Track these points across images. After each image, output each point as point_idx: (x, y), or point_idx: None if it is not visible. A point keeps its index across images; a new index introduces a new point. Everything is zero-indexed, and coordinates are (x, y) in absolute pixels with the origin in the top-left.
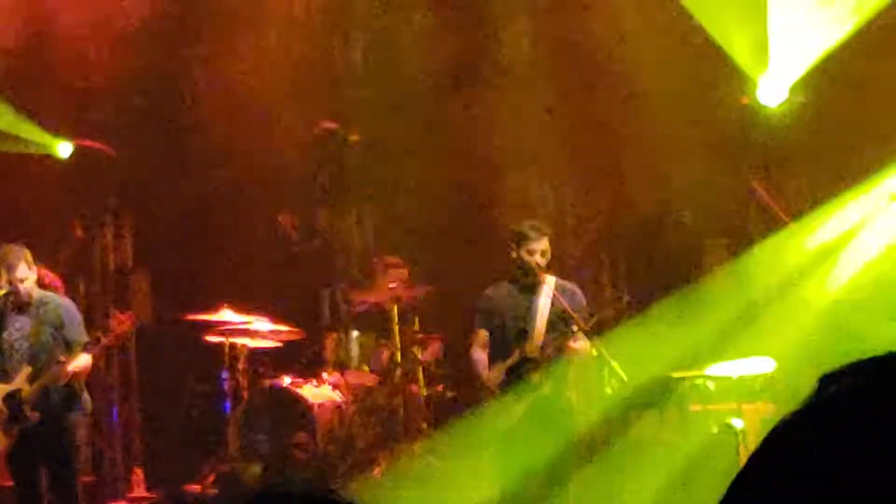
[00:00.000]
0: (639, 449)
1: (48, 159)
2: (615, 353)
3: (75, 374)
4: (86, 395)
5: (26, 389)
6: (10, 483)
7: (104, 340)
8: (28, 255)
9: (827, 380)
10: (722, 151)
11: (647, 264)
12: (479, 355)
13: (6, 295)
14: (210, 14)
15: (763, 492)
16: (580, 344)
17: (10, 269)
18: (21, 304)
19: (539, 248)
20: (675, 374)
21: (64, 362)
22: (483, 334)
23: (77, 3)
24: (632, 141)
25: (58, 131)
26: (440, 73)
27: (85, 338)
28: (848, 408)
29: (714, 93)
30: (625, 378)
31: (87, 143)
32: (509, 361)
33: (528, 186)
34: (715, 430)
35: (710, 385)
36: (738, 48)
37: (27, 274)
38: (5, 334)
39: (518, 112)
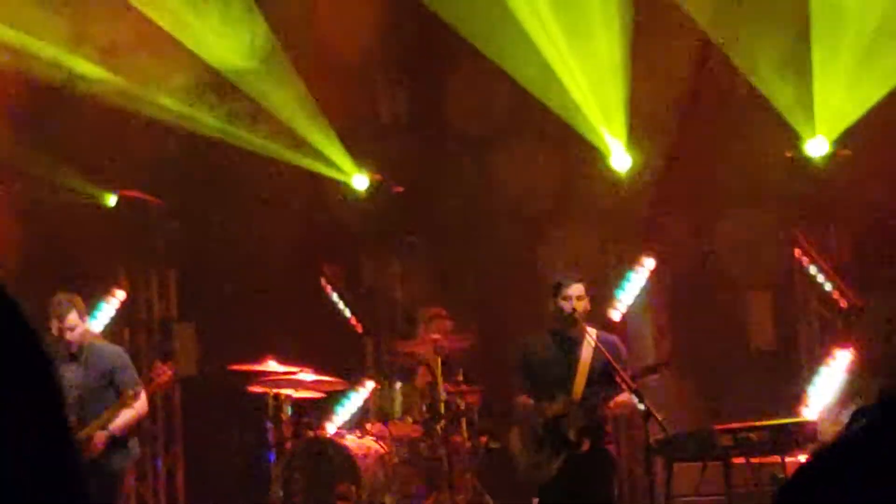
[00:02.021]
0: (680, 501)
1: (95, 210)
2: (658, 406)
3: (126, 426)
4: (133, 441)
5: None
6: None
7: (146, 390)
8: (79, 302)
9: (858, 414)
10: (766, 203)
11: (691, 316)
12: (524, 399)
13: (56, 343)
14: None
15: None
16: (623, 397)
17: (61, 318)
18: (71, 353)
19: (574, 294)
20: (719, 427)
21: (90, 436)
22: (523, 384)
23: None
24: (675, 194)
25: (104, 182)
26: (486, 125)
27: (136, 384)
28: (874, 436)
29: (759, 145)
30: (668, 430)
31: (134, 193)
32: (552, 409)
33: (574, 239)
34: (756, 482)
35: (754, 438)
36: (783, 100)
37: (77, 322)
38: None
39: (564, 165)
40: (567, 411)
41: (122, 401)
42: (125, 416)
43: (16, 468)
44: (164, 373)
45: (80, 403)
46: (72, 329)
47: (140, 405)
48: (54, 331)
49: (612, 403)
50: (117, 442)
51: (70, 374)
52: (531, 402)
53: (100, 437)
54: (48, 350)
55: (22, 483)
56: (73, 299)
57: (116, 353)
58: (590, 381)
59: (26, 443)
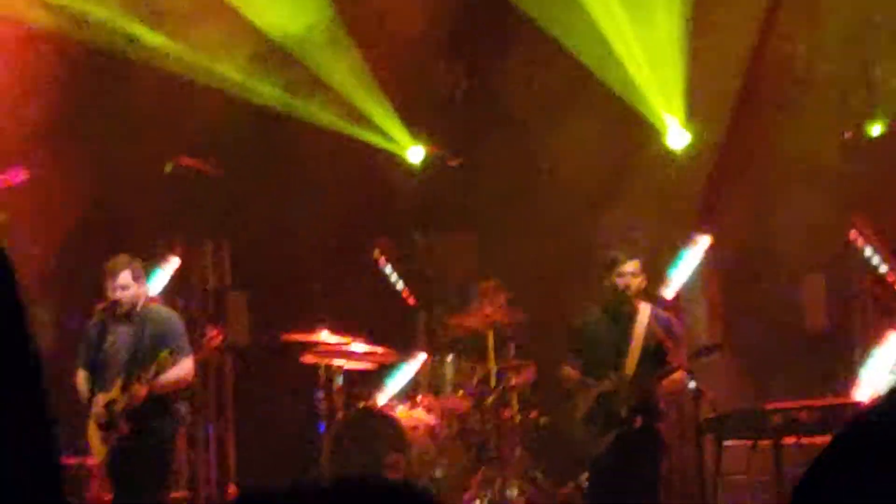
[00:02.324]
0: (732, 481)
1: (151, 178)
2: (709, 384)
3: (166, 386)
4: (181, 406)
5: (119, 400)
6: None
7: (195, 356)
8: (137, 265)
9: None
10: (822, 184)
11: (744, 296)
12: (571, 373)
13: (111, 305)
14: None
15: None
16: (675, 375)
17: (114, 276)
18: (124, 314)
19: (629, 270)
20: (769, 406)
21: (133, 388)
22: (575, 360)
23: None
24: (731, 173)
25: (160, 150)
26: (544, 101)
27: (187, 349)
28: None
29: (816, 125)
30: (719, 410)
31: (189, 162)
32: (601, 388)
33: (629, 216)
34: (807, 463)
35: (805, 417)
36: (843, 80)
37: (129, 282)
38: (108, 342)
39: (621, 142)
40: (619, 388)
41: (161, 361)
42: (169, 377)
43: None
44: (215, 337)
45: (130, 364)
46: (124, 288)
47: (185, 369)
48: (108, 292)
49: (664, 382)
50: (163, 406)
51: (121, 335)
52: (578, 375)
53: (140, 390)
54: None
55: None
56: (129, 261)
57: (171, 317)
58: (642, 359)
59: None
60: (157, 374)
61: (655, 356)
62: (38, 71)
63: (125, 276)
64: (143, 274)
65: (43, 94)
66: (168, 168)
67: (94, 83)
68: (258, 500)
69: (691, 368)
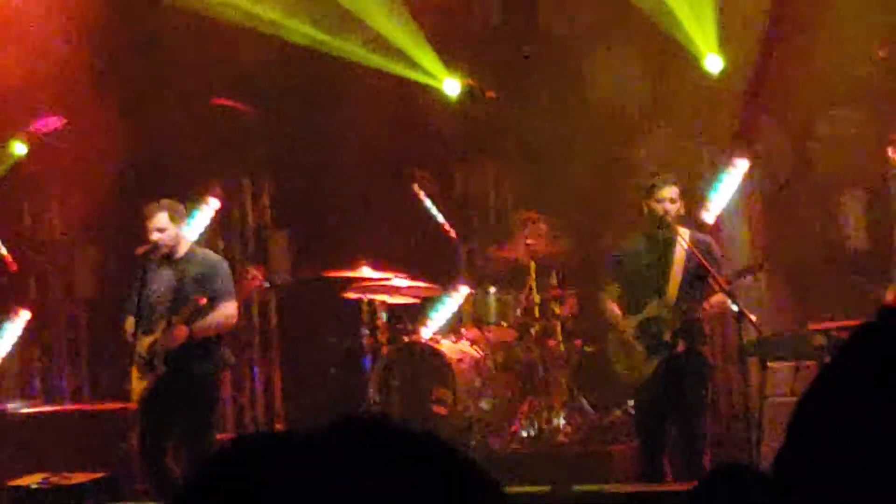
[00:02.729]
0: (775, 402)
1: (189, 118)
2: (752, 306)
3: (208, 329)
4: (223, 349)
5: (160, 341)
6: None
7: (237, 296)
8: (174, 207)
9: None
10: (859, 103)
11: (785, 217)
12: (611, 305)
13: (151, 248)
14: None
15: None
16: (716, 298)
17: (150, 218)
18: (167, 257)
19: (667, 196)
20: (812, 327)
21: (173, 327)
22: (614, 287)
23: None
24: (768, 96)
25: (198, 90)
26: (578, 29)
27: (230, 292)
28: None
29: (851, 43)
30: (761, 330)
31: (226, 101)
32: (644, 314)
33: (668, 142)
34: None
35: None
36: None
37: (166, 225)
38: (152, 286)
39: (660, 67)
40: (661, 313)
41: (196, 305)
42: (210, 319)
43: None
44: (255, 277)
45: (172, 307)
46: (161, 230)
47: (227, 312)
48: (148, 234)
49: (705, 304)
50: (204, 349)
51: (165, 278)
52: (618, 310)
53: (181, 330)
54: None
55: None
56: (165, 203)
57: (214, 260)
58: (684, 283)
59: None
60: (196, 315)
61: (697, 280)
62: (74, 16)
63: (162, 218)
64: (181, 215)
65: (79, 40)
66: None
67: (129, 27)
68: (248, 446)
69: (733, 290)
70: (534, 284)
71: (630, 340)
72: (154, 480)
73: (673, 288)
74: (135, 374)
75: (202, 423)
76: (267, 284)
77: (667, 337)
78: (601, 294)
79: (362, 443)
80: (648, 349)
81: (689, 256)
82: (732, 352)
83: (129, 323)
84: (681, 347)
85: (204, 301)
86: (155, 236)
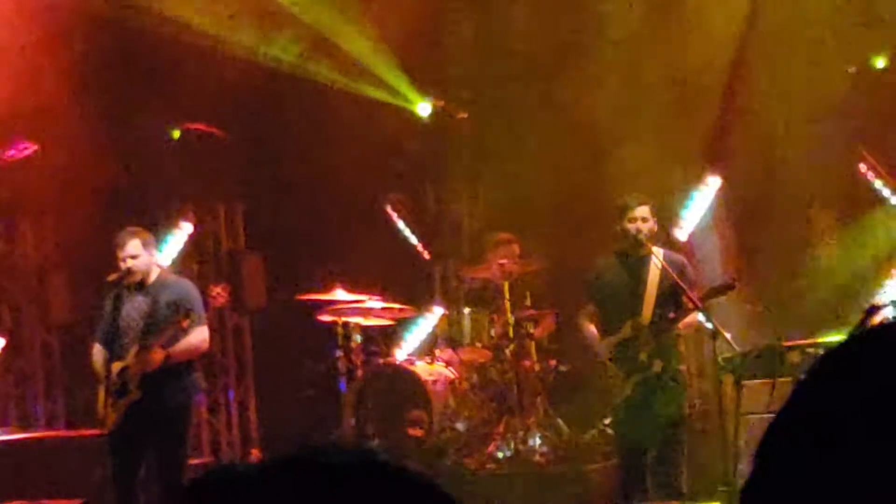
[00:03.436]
0: (751, 420)
1: (161, 143)
2: (726, 324)
3: (182, 354)
4: (195, 375)
5: (133, 366)
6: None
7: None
8: (144, 235)
9: (873, 309)
10: (830, 119)
11: (756, 235)
12: (588, 327)
13: (123, 274)
14: None
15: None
16: (690, 318)
17: (122, 247)
18: (139, 284)
19: (639, 216)
20: (787, 344)
21: (149, 351)
22: (590, 308)
23: None
24: (738, 112)
25: (169, 115)
26: (549, 49)
27: (202, 317)
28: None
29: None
30: (736, 349)
31: (198, 126)
32: (620, 335)
33: (638, 160)
34: None
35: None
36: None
37: (139, 251)
38: (123, 312)
39: (627, 86)
40: (637, 334)
41: (175, 328)
42: (184, 344)
43: None
44: (219, 295)
45: (145, 332)
46: (133, 257)
47: (200, 337)
48: (119, 262)
49: (680, 325)
50: (177, 374)
51: (136, 304)
52: (596, 332)
53: (158, 354)
54: None
55: None
56: (136, 231)
57: (186, 285)
58: (658, 303)
59: None
60: (173, 339)
61: (671, 299)
62: (45, 41)
63: (134, 245)
64: (152, 243)
65: (52, 65)
66: (175, 134)
67: (102, 51)
68: (222, 478)
69: (707, 308)
70: (508, 305)
71: (606, 363)
72: None
73: (647, 308)
74: (105, 400)
75: (176, 448)
76: (237, 308)
77: (643, 357)
78: (578, 315)
79: (312, 481)
80: (624, 370)
81: (663, 276)
82: (708, 369)
83: (97, 350)
84: (657, 367)
85: (186, 323)
86: (128, 263)
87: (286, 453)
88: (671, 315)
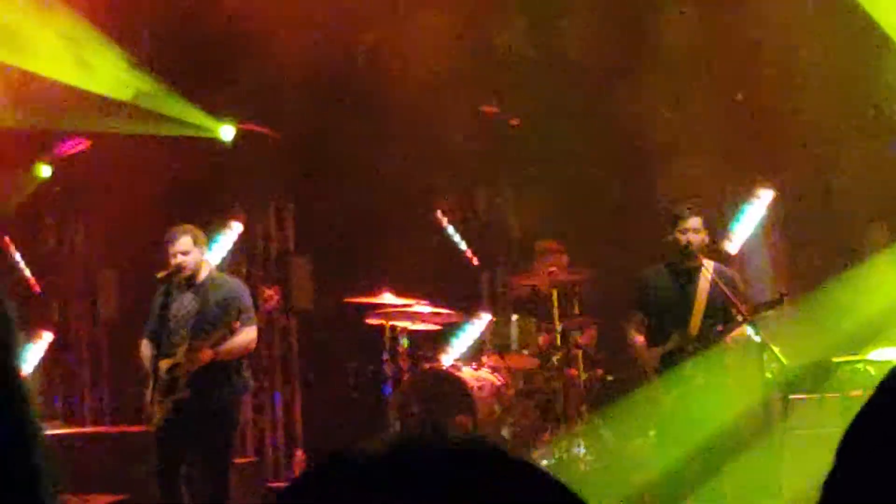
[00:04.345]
0: (798, 435)
1: (213, 143)
2: (775, 338)
3: (231, 353)
4: (244, 375)
5: (182, 364)
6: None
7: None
8: (196, 232)
9: None
10: (882, 133)
11: (808, 248)
12: (636, 337)
13: (173, 270)
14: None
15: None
16: (739, 330)
17: (173, 243)
18: (188, 281)
19: (691, 226)
20: (836, 359)
21: (199, 350)
22: (638, 317)
23: None
24: (793, 125)
25: (222, 115)
26: (603, 57)
27: (252, 317)
28: None
29: (874, 74)
30: (785, 363)
31: (251, 126)
32: (667, 347)
33: (690, 171)
34: None
35: (872, 370)
36: None
37: (190, 248)
38: (173, 310)
39: (681, 97)
40: (684, 346)
41: (227, 328)
42: (233, 343)
43: None
44: (271, 298)
45: (195, 331)
46: (184, 253)
47: (249, 337)
48: (170, 258)
49: (728, 338)
50: (225, 373)
51: (186, 302)
52: (643, 342)
53: (206, 353)
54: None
55: None
56: (188, 228)
57: (237, 285)
58: (706, 315)
59: None
60: (223, 339)
61: (719, 312)
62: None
63: (186, 242)
64: (203, 240)
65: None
66: (229, 134)
67: (158, 49)
68: (345, 464)
69: (755, 321)
70: (556, 313)
71: (651, 373)
72: None
73: (696, 320)
74: (153, 397)
75: (222, 447)
76: (286, 309)
77: (688, 369)
78: (625, 324)
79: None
80: (670, 382)
81: (713, 288)
82: (755, 383)
83: (145, 346)
84: (701, 380)
85: (237, 325)
86: (178, 259)
87: (402, 440)
88: (719, 328)
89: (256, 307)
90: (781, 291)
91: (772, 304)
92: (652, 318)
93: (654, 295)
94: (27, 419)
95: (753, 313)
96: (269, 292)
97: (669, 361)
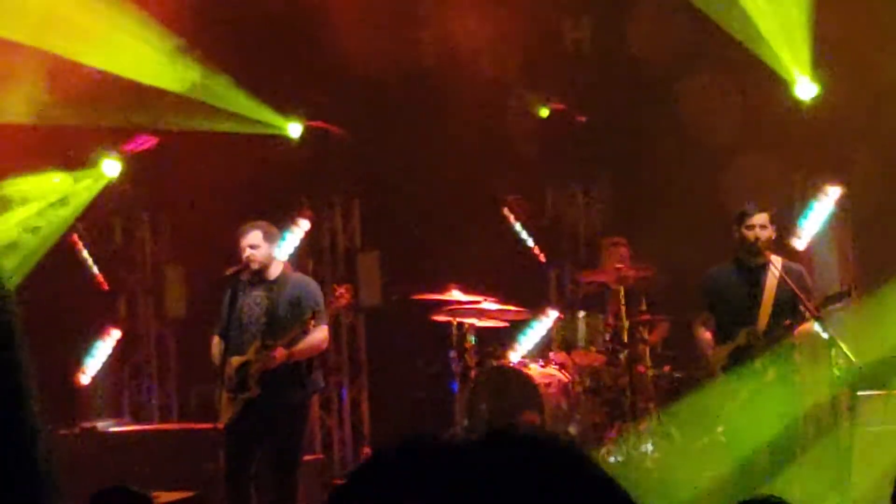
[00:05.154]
0: (865, 431)
1: (281, 140)
2: (844, 335)
3: (303, 353)
4: (316, 374)
5: (254, 362)
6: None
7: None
8: (267, 227)
9: None
10: None
11: (878, 245)
12: (703, 334)
13: (243, 265)
14: None
15: None
16: (806, 327)
17: (244, 236)
18: (259, 277)
19: (757, 223)
20: None
21: (272, 350)
22: (705, 315)
23: None
24: (861, 121)
25: (289, 112)
26: (670, 55)
27: (324, 316)
28: None
29: None
30: (853, 360)
31: (318, 124)
32: (735, 343)
33: (759, 169)
34: None
35: None
36: None
37: (259, 242)
38: (245, 308)
39: (752, 92)
40: (752, 342)
41: (302, 327)
42: (306, 343)
43: None
44: (342, 296)
45: (266, 329)
46: (254, 247)
47: (321, 336)
48: (241, 253)
49: (796, 333)
50: (297, 373)
51: (257, 299)
52: (711, 339)
53: (281, 353)
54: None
55: None
56: (259, 223)
57: (308, 283)
58: (774, 311)
59: None
60: (297, 339)
61: (787, 308)
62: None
63: (256, 236)
64: (274, 235)
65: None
66: (297, 131)
67: (227, 46)
68: (419, 450)
69: (823, 317)
70: (623, 309)
71: (718, 371)
72: None
73: (764, 316)
74: (224, 395)
75: (292, 448)
76: (355, 308)
77: (757, 366)
78: (693, 321)
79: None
80: (739, 379)
81: (781, 284)
82: (824, 379)
83: (216, 343)
84: (771, 376)
85: (312, 324)
86: (248, 253)
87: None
88: (787, 323)
89: (327, 305)
90: (847, 285)
91: (839, 297)
92: (720, 315)
93: (722, 292)
94: (26, 417)
95: (821, 307)
96: (340, 290)
97: (738, 358)
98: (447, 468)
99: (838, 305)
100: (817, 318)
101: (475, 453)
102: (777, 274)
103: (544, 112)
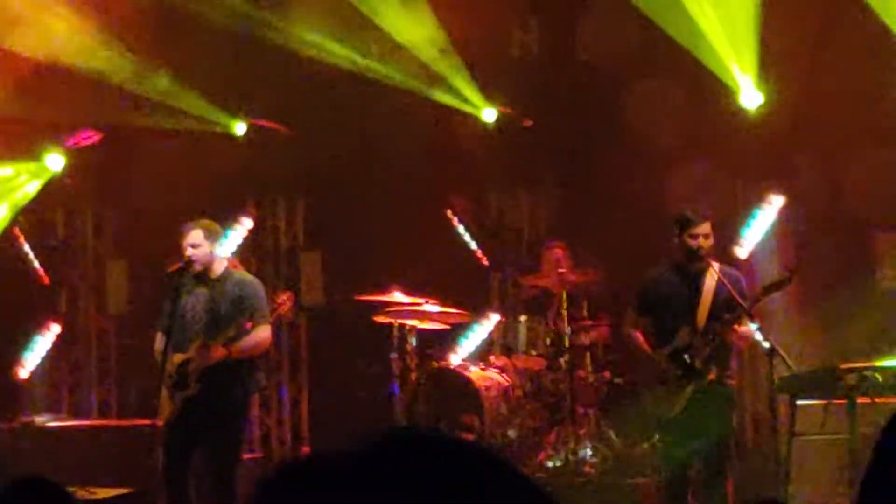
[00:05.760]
0: (803, 439)
1: (224, 138)
2: (783, 342)
3: (244, 352)
4: (257, 374)
5: (194, 360)
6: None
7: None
8: (209, 226)
9: None
10: (893, 140)
11: (818, 255)
12: (636, 335)
13: (184, 264)
14: None
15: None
16: (744, 330)
17: (185, 235)
18: (203, 276)
19: (701, 232)
20: (844, 365)
21: (210, 347)
22: (634, 316)
23: None
24: (805, 131)
25: (234, 110)
26: (614, 60)
27: (266, 315)
28: None
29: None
30: (793, 367)
31: (263, 122)
32: (675, 344)
33: (703, 176)
34: (882, 422)
35: (879, 377)
36: None
37: (200, 241)
38: (188, 305)
39: (697, 100)
40: (692, 341)
41: (238, 327)
42: (247, 341)
43: None
44: (284, 303)
45: (208, 327)
46: (195, 246)
47: (263, 336)
48: (182, 252)
49: (734, 334)
50: (237, 371)
51: (199, 297)
52: (644, 342)
53: (218, 350)
54: None
55: None
56: (202, 222)
57: (251, 282)
58: (712, 313)
59: None
60: (236, 338)
61: (725, 311)
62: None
63: (196, 235)
64: (216, 234)
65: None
66: (240, 129)
67: (163, 45)
68: (324, 464)
69: (755, 315)
70: (564, 314)
71: (659, 374)
72: (173, 502)
73: (702, 316)
74: (164, 392)
75: (231, 444)
76: (296, 309)
77: (698, 364)
78: (622, 324)
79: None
80: (679, 378)
81: (719, 287)
82: (763, 388)
83: (159, 339)
84: (712, 375)
85: (249, 325)
86: (189, 252)
87: (376, 436)
88: (725, 316)
89: (270, 309)
90: (788, 270)
91: (779, 285)
92: (659, 318)
93: (660, 294)
94: None
95: (762, 295)
96: (283, 297)
97: (678, 359)
98: (338, 483)
99: (778, 292)
100: (750, 316)
101: (369, 461)
102: (715, 277)
103: (490, 115)
